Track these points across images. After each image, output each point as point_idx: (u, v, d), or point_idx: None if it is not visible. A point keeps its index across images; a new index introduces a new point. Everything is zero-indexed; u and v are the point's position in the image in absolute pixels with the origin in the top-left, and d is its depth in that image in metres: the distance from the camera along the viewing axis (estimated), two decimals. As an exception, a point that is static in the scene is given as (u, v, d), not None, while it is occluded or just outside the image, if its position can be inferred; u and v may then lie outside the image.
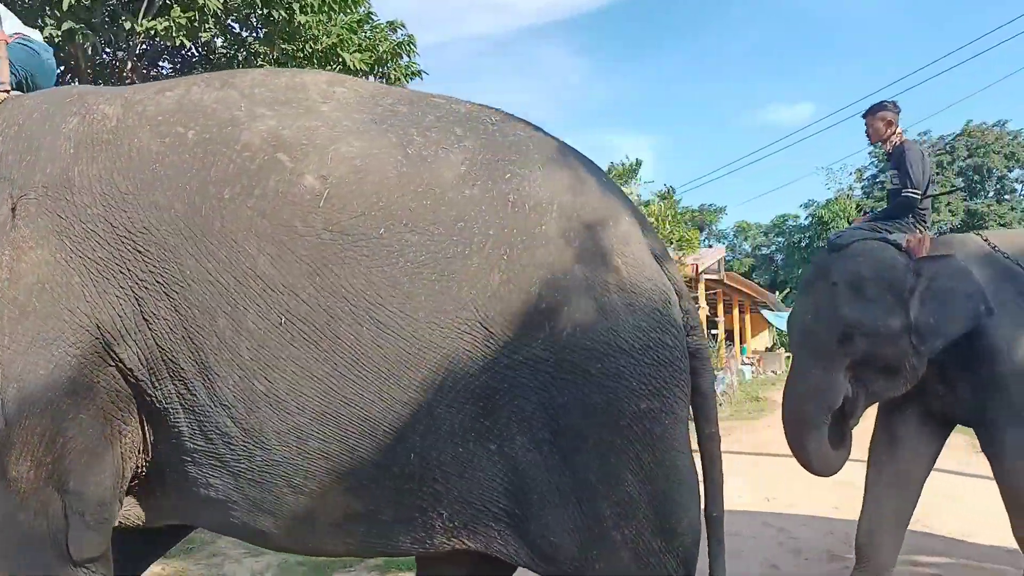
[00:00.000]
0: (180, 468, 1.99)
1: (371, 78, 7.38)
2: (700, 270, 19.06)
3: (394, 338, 1.86)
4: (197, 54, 7.08)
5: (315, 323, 1.84)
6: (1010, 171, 39.31)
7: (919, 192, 3.96)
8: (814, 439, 3.74)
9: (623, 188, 15.84)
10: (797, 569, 4.78)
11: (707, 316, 20.95)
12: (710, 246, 33.97)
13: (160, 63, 7.28)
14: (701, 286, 20.08)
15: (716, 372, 15.13)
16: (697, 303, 20.21)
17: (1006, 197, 39.04)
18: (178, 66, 7.34)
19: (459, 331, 1.88)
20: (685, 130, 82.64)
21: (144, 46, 6.77)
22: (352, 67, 6.46)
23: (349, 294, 1.85)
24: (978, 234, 4.02)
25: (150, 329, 1.88)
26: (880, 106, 4.24)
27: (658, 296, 2.07)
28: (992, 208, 36.66)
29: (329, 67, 6.47)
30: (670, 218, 14.70)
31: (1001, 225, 35.89)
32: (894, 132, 4.22)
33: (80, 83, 6.20)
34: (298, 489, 1.93)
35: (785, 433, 3.91)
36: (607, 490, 1.96)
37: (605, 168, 16.36)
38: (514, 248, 1.93)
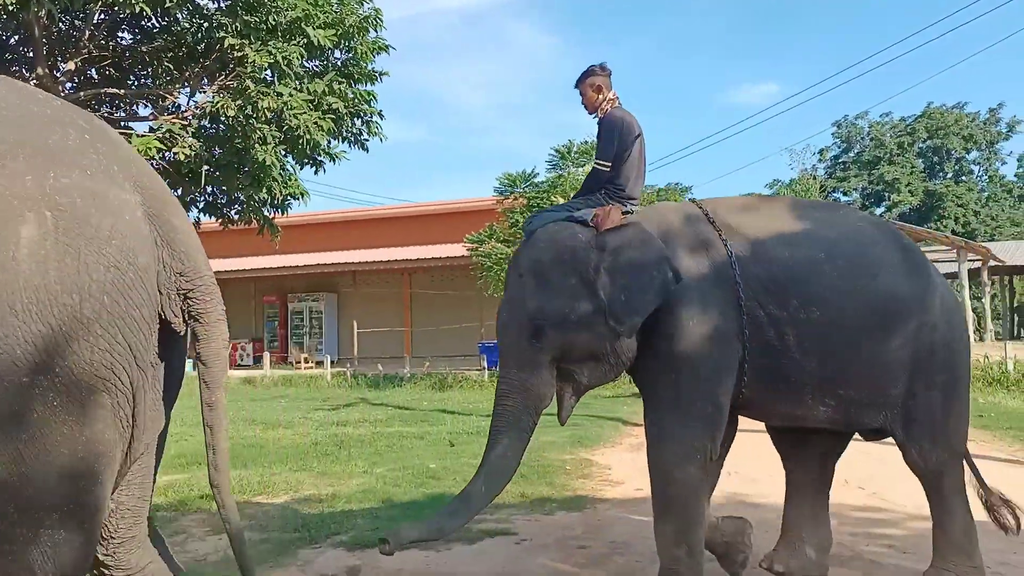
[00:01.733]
0: None
1: (337, 53, 7.27)
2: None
3: None
4: (158, 24, 6.90)
5: None
6: (968, 153, 40.09)
7: (608, 163, 3.62)
8: (509, 445, 3.37)
9: (588, 165, 15.93)
10: (760, 540, 4.86)
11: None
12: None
13: (119, 33, 7.09)
14: (667, 264, 20.15)
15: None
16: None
17: (963, 178, 39.81)
18: (139, 37, 7.16)
19: None
20: (654, 110, 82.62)
21: (102, 15, 6.58)
22: (317, 42, 6.34)
23: None
24: (694, 201, 3.71)
25: None
26: (588, 72, 3.80)
27: (93, 258, 1.99)
28: (950, 188, 37.35)
29: (294, 42, 6.35)
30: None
31: (959, 206, 36.63)
32: (605, 99, 3.76)
33: (35, 54, 6.00)
34: None
35: None
36: None
37: (566, 145, 16.33)
38: None
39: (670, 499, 3.39)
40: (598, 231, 3.42)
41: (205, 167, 6.33)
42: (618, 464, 7.62)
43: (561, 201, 15.06)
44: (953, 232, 31.64)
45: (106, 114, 6.55)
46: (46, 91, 6.03)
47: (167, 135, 5.68)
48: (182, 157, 5.66)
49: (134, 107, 6.93)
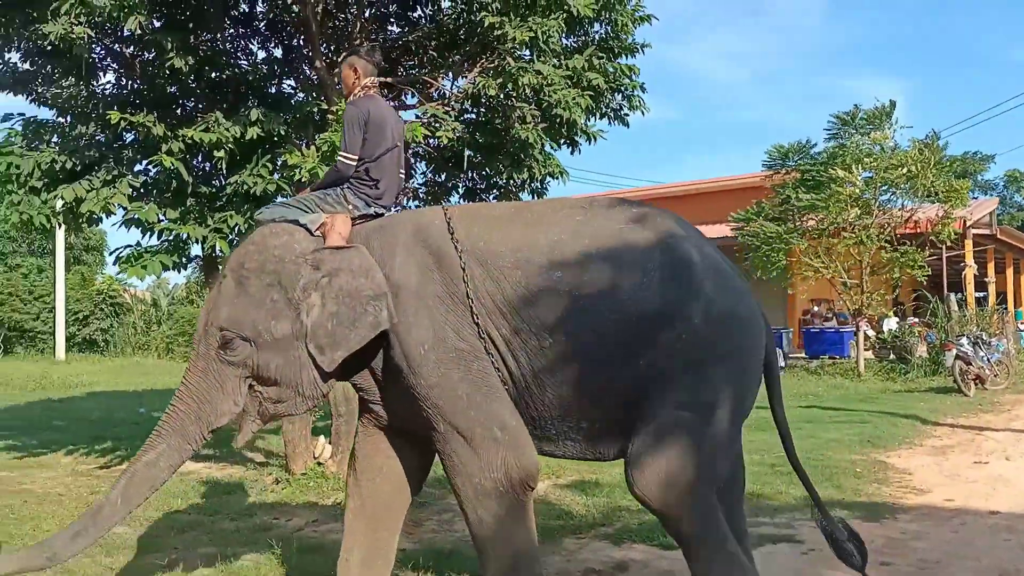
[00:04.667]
0: None
1: (597, 26, 7.05)
2: (968, 224, 16.97)
3: None
4: (424, 14, 7.00)
5: None
6: None
7: (352, 156, 3.32)
8: (164, 453, 3.07)
9: (875, 133, 14.41)
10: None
11: (975, 276, 18.61)
12: (976, 198, 30.31)
13: (388, 27, 7.34)
14: (969, 242, 17.93)
15: (991, 339, 13.22)
16: (964, 261, 18.06)
17: None
18: (405, 28, 7.34)
19: None
20: (940, 71, 74.06)
21: (372, 9, 6.84)
22: (577, 13, 6.14)
23: None
24: (444, 210, 3.21)
25: None
26: (350, 51, 3.60)
27: None
28: None
29: (552, 15, 6.19)
30: (932, 166, 13.00)
31: None
32: (360, 85, 3.48)
33: (312, 50, 6.37)
34: None
35: None
36: None
37: (850, 111, 14.89)
38: None
39: (485, 540, 2.98)
40: (320, 245, 3.13)
41: (468, 151, 6.45)
42: (920, 469, 6.69)
43: (841, 174, 13.74)
44: None
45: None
46: (323, 83, 6.44)
47: (431, 120, 5.81)
48: (445, 140, 5.76)
49: (404, 96, 7.20)
